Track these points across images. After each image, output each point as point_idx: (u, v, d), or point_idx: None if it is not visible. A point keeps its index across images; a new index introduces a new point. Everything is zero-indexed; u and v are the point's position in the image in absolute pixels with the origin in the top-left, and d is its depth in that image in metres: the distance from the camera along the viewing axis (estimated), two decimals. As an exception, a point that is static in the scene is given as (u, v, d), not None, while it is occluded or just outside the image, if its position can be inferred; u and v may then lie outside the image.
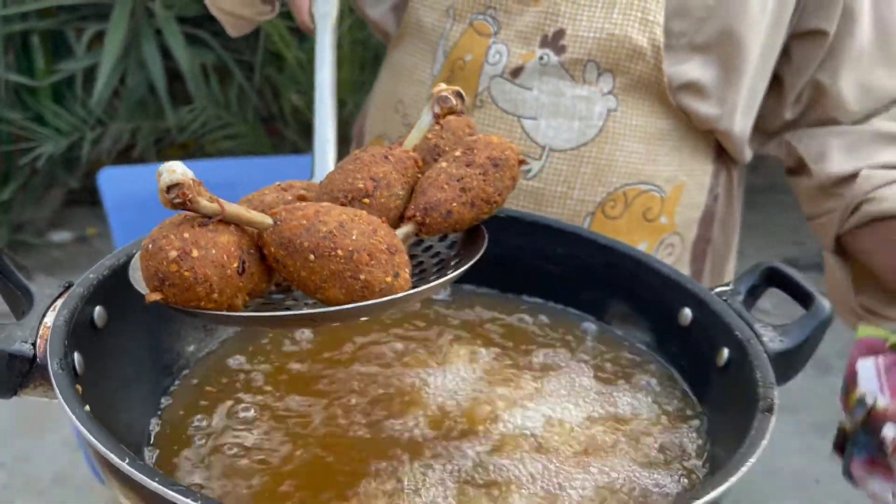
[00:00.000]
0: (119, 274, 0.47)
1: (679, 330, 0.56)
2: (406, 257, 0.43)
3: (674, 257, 0.82)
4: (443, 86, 0.50)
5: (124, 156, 2.91)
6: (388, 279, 0.41)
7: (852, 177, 0.77)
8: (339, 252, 0.40)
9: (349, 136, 2.82)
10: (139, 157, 2.93)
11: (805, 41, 0.78)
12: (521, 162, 0.52)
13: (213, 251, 0.38)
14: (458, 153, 0.50)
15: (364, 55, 2.65)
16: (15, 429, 2.05)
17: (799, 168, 0.84)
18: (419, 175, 0.50)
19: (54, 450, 1.99)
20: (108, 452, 0.35)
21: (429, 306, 0.64)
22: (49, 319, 0.45)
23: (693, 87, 0.75)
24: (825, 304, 0.52)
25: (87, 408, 0.39)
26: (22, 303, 0.47)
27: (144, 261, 0.39)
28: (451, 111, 0.50)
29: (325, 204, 0.43)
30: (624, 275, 0.61)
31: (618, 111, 0.75)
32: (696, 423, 0.53)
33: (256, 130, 2.90)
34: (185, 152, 3.12)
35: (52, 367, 0.40)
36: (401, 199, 0.47)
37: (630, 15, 0.72)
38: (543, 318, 0.63)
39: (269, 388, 0.54)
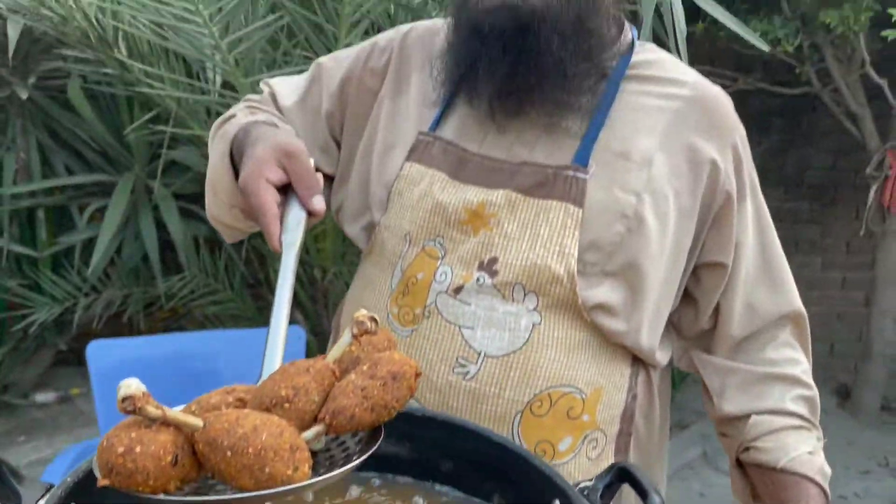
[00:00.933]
0: (90, 476, 0.59)
1: (550, 519, 0.69)
2: (306, 454, 0.55)
3: (598, 450, 0.91)
4: (362, 311, 0.64)
5: (114, 319, 3.03)
6: (289, 472, 0.53)
7: (745, 417, 0.93)
8: (251, 450, 0.53)
9: (328, 303, 2.95)
10: (129, 322, 3.05)
11: (710, 270, 0.94)
12: (418, 375, 0.64)
13: (153, 447, 0.52)
14: (365, 367, 0.62)
15: (345, 229, 2.85)
16: None
17: (704, 390, 0.99)
18: (335, 383, 0.62)
19: None
20: None
21: (350, 490, 0.77)
22: (33, 517, 0.57)
23: (604, 307, 0.87)
24: (656, 499, 0.65)
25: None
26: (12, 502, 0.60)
27: (99, 453, 0.52)
28: (366, 332, 0.64)
29: (246, 411, 0.56)
30: (512, 468, 0.73)
31: (541, 325, 0.86)
32: None
33: (242, 296, 3.06)
34: (173, 316, 3.25)
35: (33, 558, 0.53)
36: (316, 403, 0.60)
37: (550, 248, 0.86)
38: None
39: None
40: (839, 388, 3.60)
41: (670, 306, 0.94)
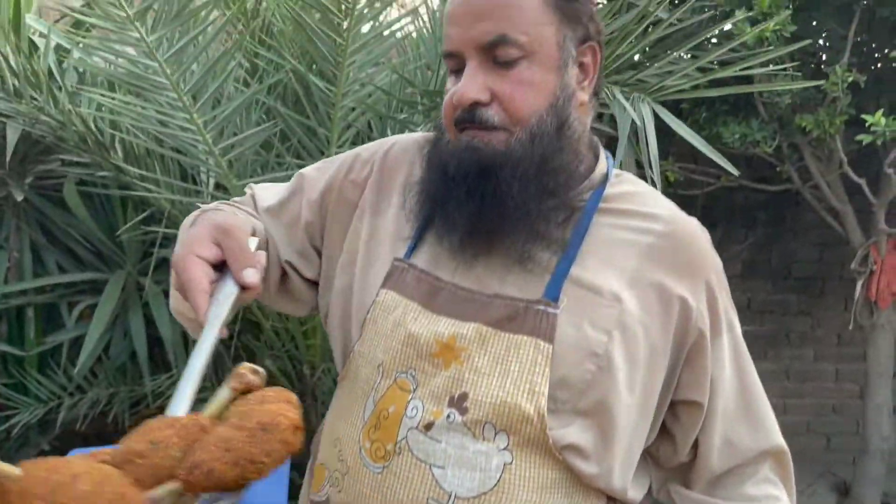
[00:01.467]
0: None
1: None
2: None
3: None
4: (245, 364, 0.60)
5: (99, 418, 2.95)
6: None
7: None
8: (64, 500, 0.47)
9: (317, 401, 2.90)
10: (114, 421, 2.99)
11: (686, 407, 0.93)
12: (297, 428, 0.58)
13: None
14: (235, 419, 0.58)
15: (335, 325, 2.84)
16: None
17: None
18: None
19: None
20: None
21: None
22: None
23: (575, 449, 0.85)
24: None
25: None
26: None
27: None
28: (248, 387, 0.60)
29: (66, 458, 0.51)
30: None
31: (513, 464, 0.83)
32: None
33: (230, 393, 3.01)
34: (160, 414, 3.18)
35: None
36: (176, 459, 0.56)
37: (520, 386, 0.83)
38: None
39: None
40: (838, 483, 3.53)
41: (643, 445, 0.93)
